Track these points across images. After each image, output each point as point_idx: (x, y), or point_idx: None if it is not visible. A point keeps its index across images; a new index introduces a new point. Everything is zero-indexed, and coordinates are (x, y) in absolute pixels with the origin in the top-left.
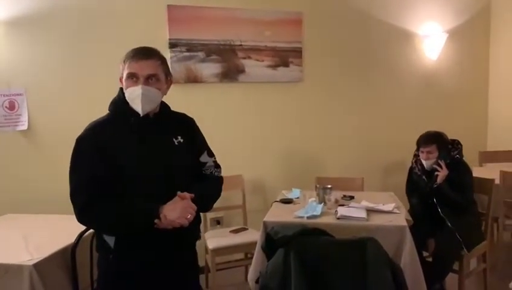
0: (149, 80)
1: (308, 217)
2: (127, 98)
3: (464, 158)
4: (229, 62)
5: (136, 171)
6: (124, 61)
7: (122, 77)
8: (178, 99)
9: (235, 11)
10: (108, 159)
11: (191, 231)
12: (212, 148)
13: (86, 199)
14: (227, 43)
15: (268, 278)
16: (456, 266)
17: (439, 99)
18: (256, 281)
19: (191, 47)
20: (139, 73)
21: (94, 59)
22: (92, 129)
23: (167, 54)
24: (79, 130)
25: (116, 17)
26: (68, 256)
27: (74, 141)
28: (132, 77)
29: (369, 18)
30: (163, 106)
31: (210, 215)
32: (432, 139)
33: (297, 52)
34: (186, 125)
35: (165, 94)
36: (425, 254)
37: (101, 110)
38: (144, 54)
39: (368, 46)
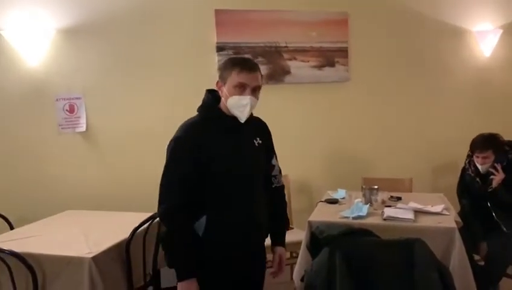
0: (255, 90)
1: (353, 218)
2: (228, 104)
3: None
4: (275, 64)
5: (229, 171)
6: (229, 70)
7: (223, 84)
8: None
9: (280, 13)
10: (202, 159)
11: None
12: None
13: (176, 201)
14: (273, 45)
15: (314, 277)
16: (510, 271)
17: (493, 98)
18: (302, 280)
19: (237, 50)
20: (249, 84)
21: (146, 63)
22: (187, 130)
23: (214, 58)
24: (134, 132)
25: (166, 23)
26: (123, 250)
27: (129, 142)
28: (241, 87)
29: (417, 16)
30: None
31: None
32: (488, 144)
33: (343, 52)
34: (262, 128)
35: None
36: (477, 257)
37: (155, 112)
38: (252, 67)
39: (417, 44)
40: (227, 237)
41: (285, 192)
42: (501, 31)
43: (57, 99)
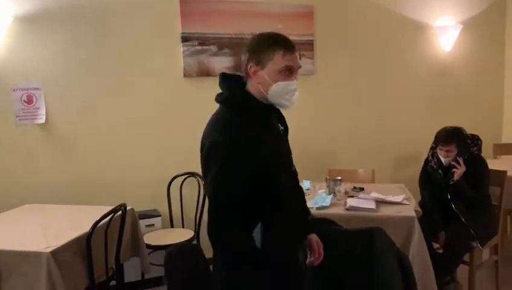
0: (297, 73)
1: (317, 208)
2: (272, 92)
3: (482, 153)
4: (241, 56)
5: (281, 168)
6: (271, 52)
7: (260, 68)
8: (191, 93)
9: (246, 4)
10: (253, 160)
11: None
12: None
13: (233, 215)
14: (239, 36)
15: None
16: (467, 258)
17: (453, 91)
18: None
19: (203, 41)
20: (295, 66)
21: (109, 53)
22: (226, 130)
23: (179, 48)
24: (95, 124)
25: (129, 12)
26: (84, 244)
27: (91, 134)
28: (288, 70)
29: (381, 10)
30: None
31: None
32: (452, 138)
33: (309, 45)
34: (280, 113)
35: None
36: (436, 246)
37: (117, 104)
38: (294, 45)
39: (380, 38)
40: (287, 241)
41: None
42: (461, 26)
43: (14, 90)
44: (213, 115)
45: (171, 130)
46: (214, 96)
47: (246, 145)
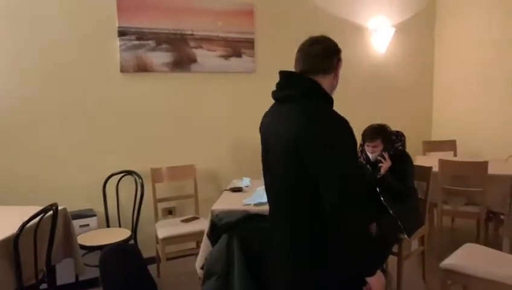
0: None
1: (255, 204)
2: (334, 88)
3: (406, 149)
4: (180, 51)
5: None
6: (339, 54)
7: (338, 69)
8: (128, 88)
9: (186, 0)
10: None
11: None
12: (165, 138)
13: (366, 208)
14: (178, 32)
15: (213, 264)
16: (395, 249)
17: (386, 92)
18: (202, 267)
19: (141, 35)
20: None
21: (41, 47)
22: (338, 115)
23: (116, 42)
24: (25, 121)
25: (65, 4)
26: (11, 246)
27: (21, 131)
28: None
29: (319, 11)
30: None
31: (162, 205)
32: (377, 134)
33: (250, 43)
34: None
35: None
36: None
37: (48, 100)
38: None
39: None
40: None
41: (192, 181)
42: (394, 29)
43: None
44: (293, 110)
45: (107, 127)
46: (153, 92)
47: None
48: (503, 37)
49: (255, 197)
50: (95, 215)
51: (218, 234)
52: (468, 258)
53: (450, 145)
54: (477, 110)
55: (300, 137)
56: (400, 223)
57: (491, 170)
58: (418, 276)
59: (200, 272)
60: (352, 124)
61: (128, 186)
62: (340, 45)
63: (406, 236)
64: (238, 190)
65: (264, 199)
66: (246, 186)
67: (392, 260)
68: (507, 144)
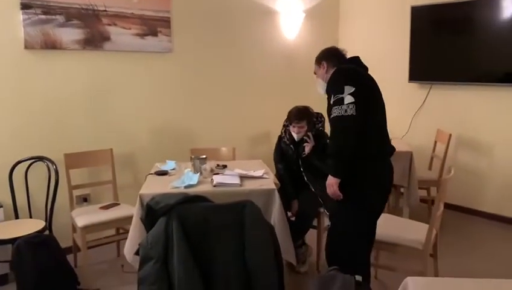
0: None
1: (185, 187)
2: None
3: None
4: (93, 28)
5: None
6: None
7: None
8: (34, 66)
9: None
10: None
11: None
12: (78, 121)
13: None
14: (90, 7)
15: (150, 248)
16: (315, 223)
17: (299, 76)
18: (136, 253)
19: (47, 9)
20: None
21: None
22: None
23: (19, 16)
24: None
25: None
26: None
27: None
28: None
29: None
30: None
31: (76, 192)
32: (303, 115)
33: (166, 22)
34: None
35: None
36: (289, 214)
37: None
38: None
39: (232, 20)
40: None
41: (109, 167)
42: (304, 14)
43: None
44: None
45: (10, 109)
46: (63, 71)
47: None
48: (401, 21)
49: (184, 179)
50: (0, 207)
51: (155, 217)
52: (378, 226)
53: None
54: None
55: None
56: (320, 199)
57: None
58: None
59: (129, 258)
60: (267, 108)
61: (38, 174)
62: (253, 28)
63: (325, 210)
64: (163, 173)
65: (194, 181)
66: (172, 169)
67: (311, 233)
68: (400, 125)
